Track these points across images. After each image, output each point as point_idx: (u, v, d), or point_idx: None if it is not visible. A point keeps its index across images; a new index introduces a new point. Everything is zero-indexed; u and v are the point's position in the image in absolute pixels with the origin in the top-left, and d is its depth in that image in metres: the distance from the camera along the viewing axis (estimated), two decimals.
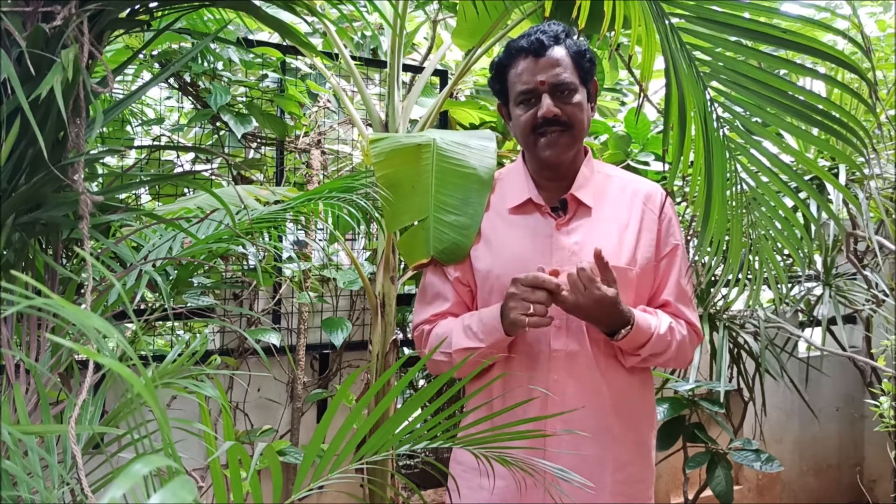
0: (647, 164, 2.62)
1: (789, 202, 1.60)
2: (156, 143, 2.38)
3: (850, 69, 1.24)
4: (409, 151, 1.53)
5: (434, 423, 1.11)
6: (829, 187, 2.24)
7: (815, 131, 1.38)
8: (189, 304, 1.88)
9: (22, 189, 0.96)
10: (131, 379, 0.58)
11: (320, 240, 2.43)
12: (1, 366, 1.01)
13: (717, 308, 2.60)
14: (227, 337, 2.27)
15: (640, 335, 1.36)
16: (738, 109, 1.36)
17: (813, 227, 2.11)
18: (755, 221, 1.48)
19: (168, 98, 2.41)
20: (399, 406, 1.79)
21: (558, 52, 1.41)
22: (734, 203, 1.44)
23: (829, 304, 2.71)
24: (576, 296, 1.31)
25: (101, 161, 1.76)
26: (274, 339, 2.14)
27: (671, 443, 2.45)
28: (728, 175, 1.40)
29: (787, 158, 1.51)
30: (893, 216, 2.43)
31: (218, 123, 2.26)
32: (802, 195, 1.84)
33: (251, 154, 2.40)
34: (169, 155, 2.40)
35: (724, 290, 2.33)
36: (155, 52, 2.10)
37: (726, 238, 1.46)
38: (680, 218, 1.75)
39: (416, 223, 1.49)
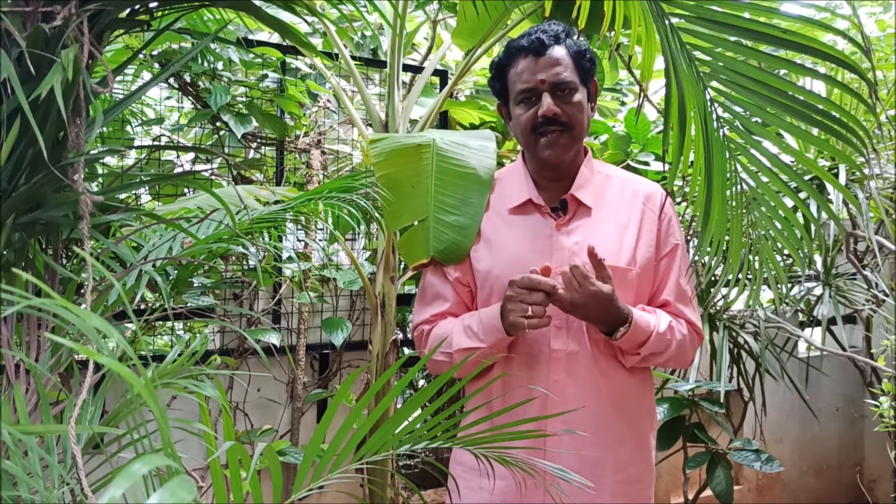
0: (647, 164, 2.62)
1: (789, 202, 1.60)
2: (156, 143, 2.38)
3: (850, 69, 1.24)
4: (409, 151, 1.53)
5: (434, 423, 1.11)
6: (829, 187, 2.24)
7: (815, 131, 1.38)
8: (189, 304, 1.88)
9: (22, 189, 0.96)
10: (131, 379, 0.58)
11: (320, 240, 2.43)
12: (1, 366, 1.01)
13: (717, 308, 2.60)
14: (227, 337, 2.27)
15: (639, 334, 1.36)
16: (738, 109, 1.36)
17: (813, 227, 2.11)
18: (755, 221, 1.48)
19: (168, 98, 2.41)
20: (399, 406, 1.79)
21: (559, 51, 1.41)
22: (734, 203, 1.44)
23: (829, 304, 2.71)
24: (571, 294, 1.31)
25: (101, 161, 1.76)
26: (274, 339, 2.14)
27: (671, 443, 2.45)
28: (728, 175, 1.40)
29: (787, 158, 1.51)
30: (893, 216, 2.43)
31: (218, 123, 2.26)
32: (802, 195, 1.84)
33: (251, 154, 2.40)
34: (169, 155, 2.40)
35: (724, 290, 2.33)
36: (155, 52, 2.10)
37: (726, 238, 1.46)
38: (680, 218, 1.75)
39: (415, 223, 1.49)
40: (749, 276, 1.55)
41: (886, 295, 2.67)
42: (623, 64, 2.56)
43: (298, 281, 2.26)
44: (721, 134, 1.36)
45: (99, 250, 1.27)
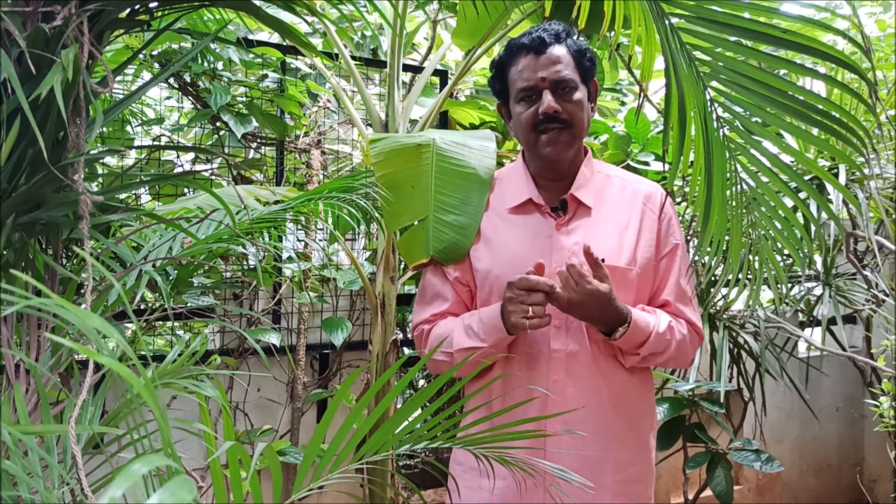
0: (647, 164, 2.62)
1: (789, 202, 1.60)
2: (156, 143, 2.38)
3: (850, 69, 1.24)
4: (409, 151, 1.53)
5: (434, 423, 1.11)
6: (829, 187, 2.24)
7: (815, 131, 1.38)
8: (189, 304, 1.88)
9: (22, 189, 0.96)
10: (131, 379, 0.58)
11: (320, 240, 2.43)
12: (1, 366, 1.01)
13: (717, 308, 2.60)
14: (227, 337, 2.27)
15: (639, 333, 1.36)
16: (738, 109, 1.36)
17: (813, 227, 2.11)
18: (755, 221, 1.48)
19: (168, 98, 2.41)
20: (399, 406, 1.79)
21: (559, 49, 1.41)
22: (734, 203, 1.44)
23: (829, 304, 2.71)
24: (568, 293, 1.31)
25: (101, 161, 1.76)
26: (274, 339, 2.14)
27: (671, 443, 2.45)
28: (728, 175, 1.40)
29: (787, 158, 1.51)
30: (893, 216, 2.43)
31: (218, 123, 2.26)
32: (802, 195, 1.84)
33: (251, 154, 2.40)
34: (169, 155, 2.40)
35: (724, 290, 2.33)
36: (155, 52, 2.10)
37: (726, 238, 1.46)
38: (680, 218, 1.75)
39: (415, 223, 1.49)
40: (749, 276, 1.55)
41: (886, 295, 2.67)
42: (623, 64, 2.56)
43: (298, 281, 2.26)
44: (721, 134, 1.36)
45: (99, 250, 1.27)
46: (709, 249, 1.44)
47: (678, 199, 2.53)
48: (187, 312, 1.88)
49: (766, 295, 2.99)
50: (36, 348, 1.02)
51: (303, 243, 2.35)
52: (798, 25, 1.32)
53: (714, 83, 1.34)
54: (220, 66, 2.21)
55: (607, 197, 1.48)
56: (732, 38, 1.29)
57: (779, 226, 1.49)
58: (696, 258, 2.01)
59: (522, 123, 1.43)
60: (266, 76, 2.32)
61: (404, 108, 1.99)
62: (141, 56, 2.02)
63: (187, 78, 2.22)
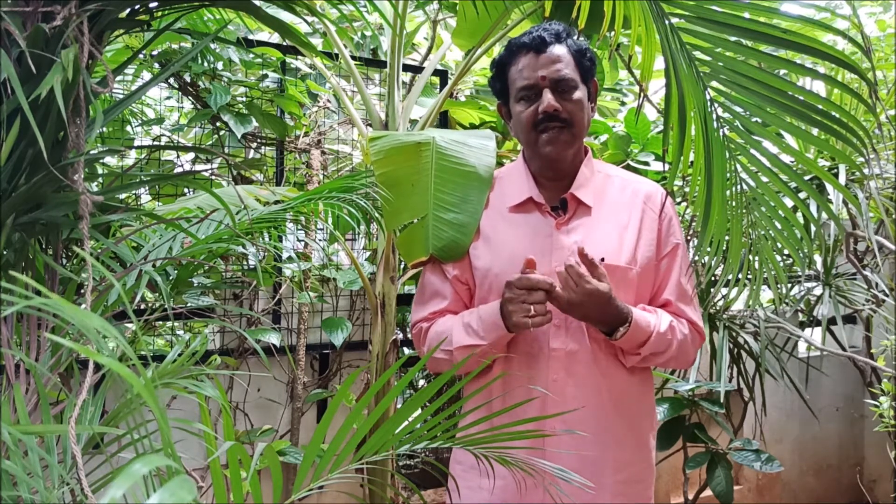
0: (647, 164, 2.62)
1: (789, 202, 1.60)
2: (156, 143, 2.38)
3: (850, 69, 1.24)
4: (409, 149, 1.53)
5: (434, 423, 1.11)
6: (829, 187, 2.24)
7: (815, 131, 1.38)
8: (189, 304, 1.88)
9: (22, 189, 0.96)
10: (131, 379, 0.58)
11: (320, 240, 2.43)
12: (1, 366, 1.01)
13: (717, 308, 2.60)
14: (227, 337, 2.27)
15: (640, 333, 1.36)
16: (738, 109, 1.36)
17: (813, 227, 2.11)
18: (755, 221, 1.48)
19: (168, 98, 2.41)
20: (399, 406, 1.79)
21: (559, 49, 1.41)
22: (734, 203, 1.44)
23: (829, 304, 2.71)
24: (568, 293, 1.31)
25: (101, 161, 1.76)
26: (274, 339, 2.14)
27: (671, 443, 2.45)
28: (728, 175, 1.40)
29: (787, 158, 1.51)
30: (893, 216, 2.43)
31: (218, 123, 2.26)
32: (802, 195, 1.84)
33: (251, 154, 2.40)
34: (169, 155, 2.40)
35: (724, 290, 2.33)
36: (155, 52, 2.10)
37: (726, 238, 1.46)
38: (680, 218, 1.75)
39: (415, 221, 1.50)
40: (749, 276, 1.55)
41: (886, 295, 2.67)
42: (623, 64, 2.56)
43: (298, 281, 2.26)
44: (721, 134, 1.36)
45: (99, 250, 1.27)
46: (709, 249, 1.44)
47: (678, 199, 2.53)
48: (187, 312, 1.88)
49: (766, 295, 3.00)
50: (36, 348, 1.02)
51: (303, 243, 2.35)
52: (798, 25, 1.32)
53: (714, 83, 1.34)
54: (220, 66, 2.21)
55: (607, 196, 1.48)
56: (732, 38, 1.29)
57: (779, 226, 1.49)
58: (696, 258, 2.01)
59: (522, 122, 1.43)
60: (266, 76, 2.32)
61: (404, 108, 1.99)
62: (141, 56, 2.02)
63: (187, 78, 2.22)
